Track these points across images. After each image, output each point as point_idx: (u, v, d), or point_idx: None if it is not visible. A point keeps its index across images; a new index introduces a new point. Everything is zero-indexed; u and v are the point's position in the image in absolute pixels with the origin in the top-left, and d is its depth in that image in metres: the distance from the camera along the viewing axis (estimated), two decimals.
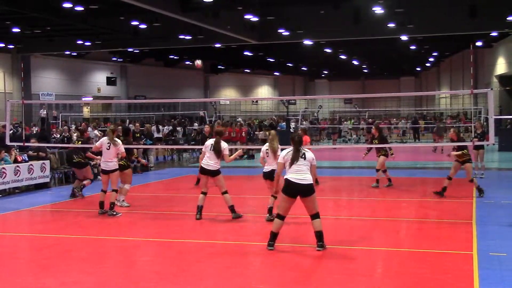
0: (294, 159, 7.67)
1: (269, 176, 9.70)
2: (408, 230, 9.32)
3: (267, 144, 9.97)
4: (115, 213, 10.51)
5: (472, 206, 10.95)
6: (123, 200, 11.40)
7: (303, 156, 7.73)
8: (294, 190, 7.60)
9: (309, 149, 8.20)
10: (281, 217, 7.76)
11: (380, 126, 16.66)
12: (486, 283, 6.14)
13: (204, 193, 10.04)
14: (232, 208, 10.02)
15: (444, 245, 7.92)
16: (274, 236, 7.78)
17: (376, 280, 6.52)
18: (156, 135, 22.90)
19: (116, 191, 10.77)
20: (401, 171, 17.79)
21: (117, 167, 10.76)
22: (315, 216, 7.68)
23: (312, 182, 7.67)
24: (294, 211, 10.46)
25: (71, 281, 6.56)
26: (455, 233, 8.71)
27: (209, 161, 9.93)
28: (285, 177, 7.70)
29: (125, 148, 11.47)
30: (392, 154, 14.34)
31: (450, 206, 11.27)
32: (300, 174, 7.61)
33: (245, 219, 10.21)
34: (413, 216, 10.54)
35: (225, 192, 9.98)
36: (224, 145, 10.00)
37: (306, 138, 13.35)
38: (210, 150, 9.93)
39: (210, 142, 10.12)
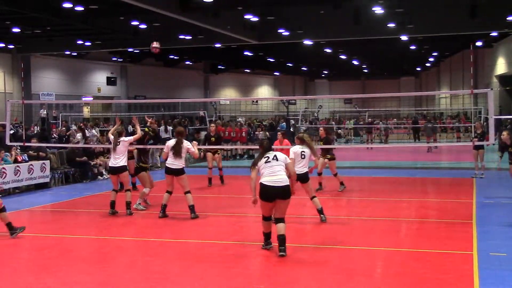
0: (263, 162, 7.57)
1: (303, 178, 9.66)
2: (408, 230, 9.33)
3: (299, 146, 9.83)
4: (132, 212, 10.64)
5: (472, 206, 10.95)
6: (139, 203, 11.23)
7: (275, 157, 7.63)
8: (270, 194, 7.39)
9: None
10: (266, 218, 7.67)
11: (326, 128, 16.64)
12: (486, 283, 6.14)
13: (169, 192, 10.14)
14: (192, 208, 10.07)
15: (444, 245, 7.92)
16: (267, 236, 7.78)
17: (376, 280, 6.53)
18: (164, 135, 22.71)
19: (129, 190, 10.82)
20: (401, 171, 17.80)
21: (125, 165, 10.73)
22: (281, 220, 7.46)
23: (288, 183, 7.50)
24: (295, 211, 10.46)
25: (71, 281, 6.56)
26: (455, 233, 8.71)
27: (173, 161, 10.01)
28: (260, 181, 7.51)
29: (139, 149, 11.54)
30: (330, 158, 13.06)
31: (450, 206, 11.28)
32: (275, 175, 7.45)
33: (245, 219, 10.22)
34: (413, 216, 10.54)
35: (188, 192, 10.09)
36: (186, 144, 10.11)
37: (286, 142, 13.19)
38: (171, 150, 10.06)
39: (171, 142, 10.22)
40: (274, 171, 7.47)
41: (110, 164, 10.82)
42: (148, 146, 12.17)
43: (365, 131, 32.05)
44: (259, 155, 7.73)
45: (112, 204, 10.62)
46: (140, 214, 10.87)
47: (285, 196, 7.43)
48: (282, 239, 7.37)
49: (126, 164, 10.70)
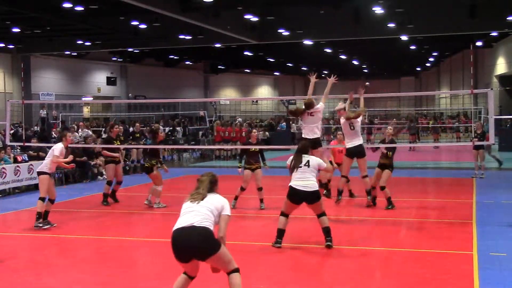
0: (295, 166, 7.75)
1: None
2: (408, 230, 9.33)
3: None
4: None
5: (472, 206, 10.95)
6: (159, 202, 11.50)
7: (307, 163, 7.78)
8: (298, 197, 7.71)
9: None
10: (284, 214, 7.88)
11: None
12: (486, 283, 6.14)
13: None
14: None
15: (444, 245, 7.92)
16: (281, 233, 7.89)
17: (376, 280, 6.53)
18: None
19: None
20: (401, 171, 17.78)
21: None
22: (321, 214, 7.81)
23: (317, 188, 7.72)
24: (295, 211, 10.45)
25: (71, 281, 6.56)
26: (455, 233, 8.71)
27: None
28: (289, 184, 7.78)
29: (150, 150, 11.84)
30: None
31: (450, 206, 11.28)
32: (303, 181, 7.67)
33: (245, 219, 10.21)
34: (413, 216, 10.54)
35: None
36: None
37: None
38: None
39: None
40: (304, 177, 7.69)
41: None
42: (151, 146, 12.21)
43: (366, 132, 31.96)
44: (296, 158, 7.84)
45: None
46: (139, 214, 10.87)
47: (313, 200, 7.71)
48: (327, 230, 7.76)
49: None
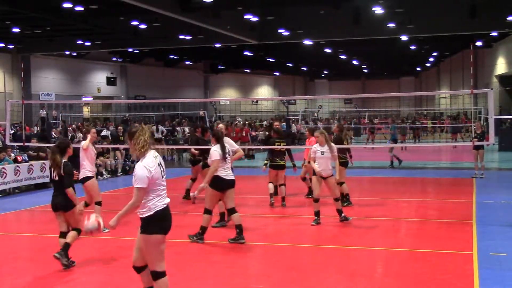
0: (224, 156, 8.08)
1: None
2: (408, 230, 9.33)
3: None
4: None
5: (472, 206, 10.94)
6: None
7: (228, 152, 8.18)
8: (223, 185, 8.03)
9: None
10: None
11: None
12: (486, 283, 6.14)
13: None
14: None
15: (444, 245, 7.92)
16: (204, 230, 8.23)
17: (376, 280, 6.53)
18: (156, 135, 22.84)
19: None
20: (401, 171, 17.79)
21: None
22: (233, 210, 8.12)
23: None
24: (294, 211, 10.46)
25: (71, 280, 6.56)
26: (455, 233, 8.71)
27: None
28: (216, 174, 7.99)
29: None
30: None
31: (450, 206, 11.27)
32: (228, 170, 8.10)
33: (245, 219, 10.19)
34: (413, 216, 10.54)
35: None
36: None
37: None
38: None
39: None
40: (228, 166, 8.17)
41: None
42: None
43: (368, 131, 31.93)
44: (222, 148, 8.14)
45: None
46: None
47: (231, 187, 8.18)
48: (240, 228, 8.16)
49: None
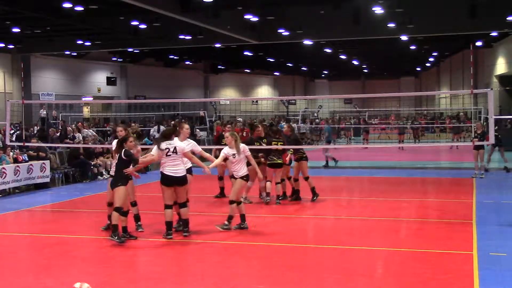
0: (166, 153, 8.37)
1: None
2: (408, 230, 9.32)
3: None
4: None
5: (472, 206, 10.94)
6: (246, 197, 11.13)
7: (174, 150, 8.33)
8: (170, 181, 8.37)
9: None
10: (169, 206, 8.50)
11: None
12: (486, 283, 6.14)
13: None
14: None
15: (444, 245, 7.92)
16: (170, 225, 8.43)
17: (376, 280, 6.53)
18: (157, 135, 22.79)
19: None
20: (401, 171, 17.79)
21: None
22: (183, 205, 8.48)
23: (185, 173, 8.46)
24: (293, 211, 10.46)
25: (71, 281, 6.55)
26: (455, 233, 8.71)
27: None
28: (161, 170, 8.43)
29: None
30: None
31: (450, 206, 11.27)
32: (174, 167, 8.35)
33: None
34: (413, 216, 10.54)
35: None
36: None
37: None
38: None
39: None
40: (174, 164, 8.49)
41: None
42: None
43: (363, 130, 31.96)
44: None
45: None
46: (140, 214, 10.85)
47: (181, 184, 8.58)
48: (186, 222, 8.65)
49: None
